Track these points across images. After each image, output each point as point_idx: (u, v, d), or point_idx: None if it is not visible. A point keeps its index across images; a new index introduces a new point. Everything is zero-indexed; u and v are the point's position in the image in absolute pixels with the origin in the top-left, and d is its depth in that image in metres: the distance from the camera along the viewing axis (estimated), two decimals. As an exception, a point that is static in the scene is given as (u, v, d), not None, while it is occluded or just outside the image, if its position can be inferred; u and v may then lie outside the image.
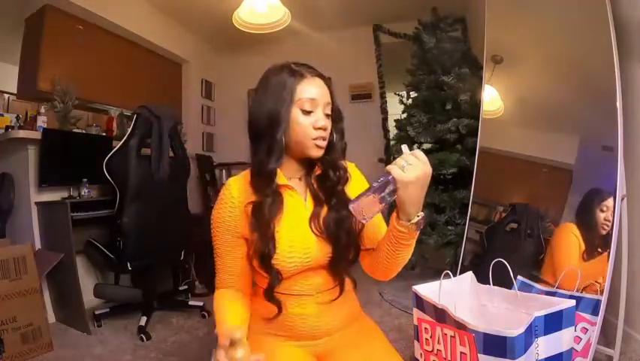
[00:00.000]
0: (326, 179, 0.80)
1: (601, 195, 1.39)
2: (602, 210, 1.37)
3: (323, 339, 0.82)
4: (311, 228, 0.78)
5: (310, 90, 0.76)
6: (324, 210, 0.80)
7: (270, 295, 0.78)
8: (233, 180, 0.83)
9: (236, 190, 0.80)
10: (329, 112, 0.79)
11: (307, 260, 0.77)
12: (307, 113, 0.75)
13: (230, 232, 0.79)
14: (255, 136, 0.78)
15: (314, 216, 0.79)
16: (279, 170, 0.78)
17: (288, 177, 0.80)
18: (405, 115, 2.73)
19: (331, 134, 0.80)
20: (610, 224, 1.33)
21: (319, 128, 0.75)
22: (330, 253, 0.78)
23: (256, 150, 0.77)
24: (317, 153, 0.77)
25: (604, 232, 1.35)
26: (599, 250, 1.36)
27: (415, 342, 1.04)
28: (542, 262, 1.57)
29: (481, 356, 0.79)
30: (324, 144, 0.77)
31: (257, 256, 0.76)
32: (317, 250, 0.78)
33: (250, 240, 0.78)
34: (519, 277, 1.40)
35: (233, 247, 0.80)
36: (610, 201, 1.34)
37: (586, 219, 1.44)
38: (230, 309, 0.77)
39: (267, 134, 0.75)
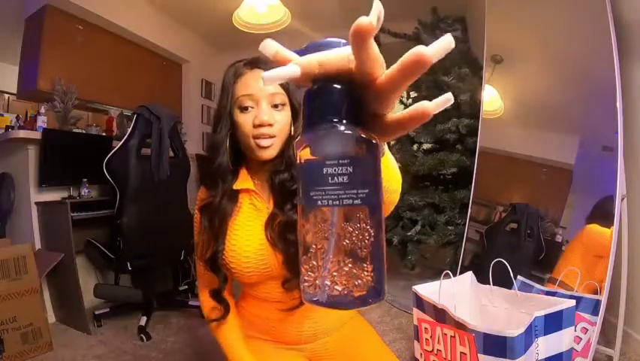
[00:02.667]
0: (279, 179, 0.71)
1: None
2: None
3: (310, 344, 0.80)
4: (266, 235, 0.71)
5: (247, 85, 0.69)
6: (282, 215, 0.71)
7: (217, 296, 0.77)
8: None
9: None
10: (280, 102, 0.69)
11: (265, 269, 0.72)
12: (244, 109, 0.69)
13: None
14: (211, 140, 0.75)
15: (269, 222, 0.71)
16: (246, 172, 0.75)
17: (255, 180, 0.75)
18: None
19: (293, 127, 0.72)
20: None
21: (259, 125, 0.67)
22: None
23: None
24: (264, 155, 0.68)
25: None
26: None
27: (415, 342, 1.04)
28: (543, 262, 1.57)
29: (481, 356, 0.79)
30: (268, 142, 0.67)
31: (207, 256, 0.74)
32: (273, 258, 0.71)
33: (201, 242, 0.75)
34: (519, 277, 1.40)
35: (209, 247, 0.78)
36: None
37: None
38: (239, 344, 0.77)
39: (212, 133, 0.74)
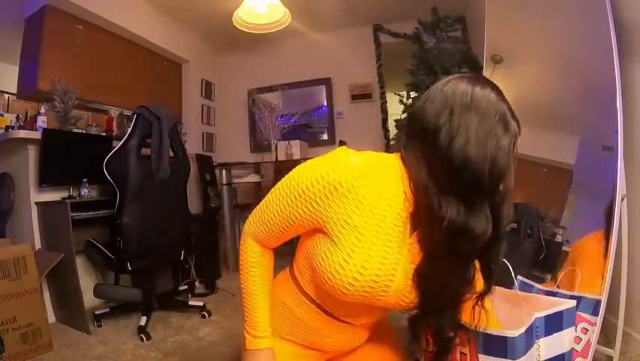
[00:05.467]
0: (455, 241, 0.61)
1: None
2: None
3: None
4: (416, 267, 0.65)
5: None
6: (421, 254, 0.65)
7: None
8: (358, 164, 0.63)
9: (362, 185, 0.61)
10: None
11: (382, 295, 0.63)
12: None
13: (307, 213, 0.64)
14: (463, 180, 0.57)
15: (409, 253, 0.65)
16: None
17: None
18: (405, 115, 2.74)
19: None
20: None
21: None
22: (407, 302, 0.66)
23: (455, 202, 0.57)
24: None
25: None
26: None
27: (415, 342, 1.04)
28: (543, 262, 1.57)
29: (481, 356, 0.79)
30: None
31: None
32: (396, 291, 0.64)
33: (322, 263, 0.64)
34: (519, 277, 1.39)
35: (295, 221, 0.67)
36: None
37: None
38: (263, 301, 0.76)
39: (486, 194, 0.57)
